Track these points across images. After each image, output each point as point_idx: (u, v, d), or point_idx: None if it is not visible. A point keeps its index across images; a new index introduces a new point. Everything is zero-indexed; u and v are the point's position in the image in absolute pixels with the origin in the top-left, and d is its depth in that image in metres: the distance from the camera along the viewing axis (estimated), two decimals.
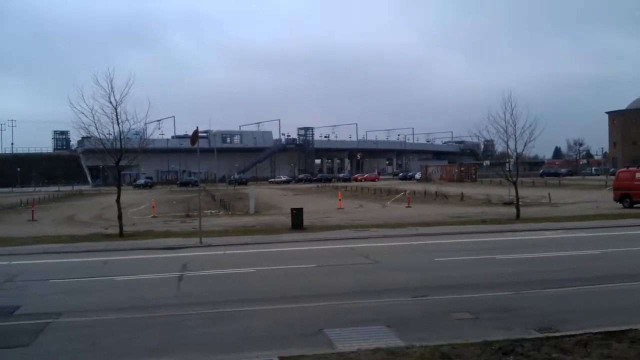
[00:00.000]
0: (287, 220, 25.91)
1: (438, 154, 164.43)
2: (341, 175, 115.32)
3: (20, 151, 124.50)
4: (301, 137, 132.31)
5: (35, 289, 12.79)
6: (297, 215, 24.42)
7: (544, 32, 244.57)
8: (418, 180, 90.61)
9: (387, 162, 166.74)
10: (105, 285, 13.13)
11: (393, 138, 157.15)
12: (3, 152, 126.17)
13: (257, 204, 38.25)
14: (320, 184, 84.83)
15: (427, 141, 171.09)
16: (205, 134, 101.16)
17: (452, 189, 52.96)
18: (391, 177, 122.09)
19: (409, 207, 36.27)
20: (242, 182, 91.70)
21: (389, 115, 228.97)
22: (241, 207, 38.25)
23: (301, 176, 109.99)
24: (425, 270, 14.05)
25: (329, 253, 17.34)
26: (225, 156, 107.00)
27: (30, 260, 17.21)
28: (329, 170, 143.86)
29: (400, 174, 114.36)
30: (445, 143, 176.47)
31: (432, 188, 53.55)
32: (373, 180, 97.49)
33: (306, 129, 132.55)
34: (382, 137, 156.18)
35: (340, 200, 39.37)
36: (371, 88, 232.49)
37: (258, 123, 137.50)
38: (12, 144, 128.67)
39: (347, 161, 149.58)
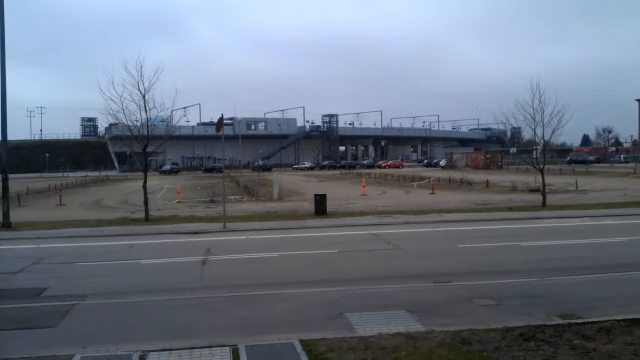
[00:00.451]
0: (311, 206, 25.98)
1: (464, 142, 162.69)
2: (365, 162, 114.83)
3: (48, 137, 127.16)
4: (325, 124, 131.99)
5: (62, 271, 13.08)
6: (320, 201, 24.46)
7: (575, 17, 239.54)
8: (443, 168, 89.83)
9: (412, 149, 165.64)
10: (131, 268, 13.36)
11: (418, 125, 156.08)
12: (32, 138, 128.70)
13: (281, 190, 38.38)
14: (344, 171, 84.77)
15: (453, 128, 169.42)
16: (230, 121, 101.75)
17: (478, 177, 52.41)
18: (415, 164, 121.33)
19: (432, 193, 36.05)
20: (266, 169, 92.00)
21: (415, 102, 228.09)
22: (265, 193, 38.44)
23: (325, 163, 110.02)
24: (449, 256, 13.98)
25: (352, 239, 17.36)
26: (249, 143, 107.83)
27: (57, 243, 17.57)
28: (353, 157, 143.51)
29: (425, 161, 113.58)
30: (471, 130, 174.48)
31: (457, 175, 53.01)
32: (397, 167, 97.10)
33: (330, 116, 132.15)
34: (407, 124, 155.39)
35: (363, 186, 39.30)
36: (397, 74, 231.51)
37: (282, 110, 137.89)
38: (41, 130, 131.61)
39: (371, 148, 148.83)
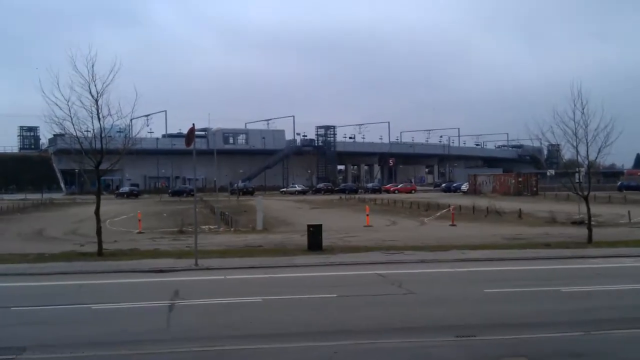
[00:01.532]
0: (303, 239, 25.92)
1: (490, 161, 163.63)
2: (370, 185, 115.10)
3: None
4: (320, 138, 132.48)
5: None
6: (314, 233, 24.43)
7: (623, 15, 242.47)
8: (465, 193, 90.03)
9: (427, 169, 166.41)
10: (80, 314, 13.28)
11: (434, 140, 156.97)
12: None
13: (266, 219, 38.32)
14: (343, 196, 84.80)
15: (477, 144, 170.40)
16: (203, 133, 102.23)
17: (508, 204, 52.51)
18: (431, 188, 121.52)
19: (453, 225, 36.08)
20: (248, 192, 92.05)
21: (429, 112, 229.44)
22: (246, 222, 38.34)
23: (320, 185, 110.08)
24: (473, 303, 13.97)
25: (353, 280, 17.33)
26: (227, 160, 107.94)
27: None
28: (354, 179, 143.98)
29: (443, 185, 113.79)
30: (498, 147, 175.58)
31: (482, 202, 53.12)
32: (409, 191, 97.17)
33: (327, 127, 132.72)
34: (420, 138, 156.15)
35: (368, 215, 39.28)
36: (406, 79, 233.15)
37: (267, 120, 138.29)
38: None
39: (376, 168, 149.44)
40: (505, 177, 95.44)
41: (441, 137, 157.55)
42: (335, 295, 15.02)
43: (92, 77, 22.10)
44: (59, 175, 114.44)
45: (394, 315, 12.81)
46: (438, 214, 45.02)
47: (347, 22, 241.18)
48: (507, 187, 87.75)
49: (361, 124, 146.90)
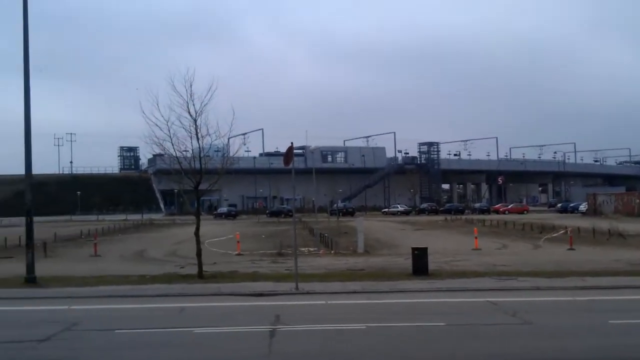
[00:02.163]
0: (407, 262, 25.74)
1: (611, 179, 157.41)
2: (477, 205, 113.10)
3: (80, 171, 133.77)
4: (423, 155, 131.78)
5: (98, 341, 13.55)
6: (419, 256, 24.19)
7: None
8: (583, 214, 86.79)
9: (540, 188, 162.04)
10: (182, 338, 13.67)
11: (547, 156, 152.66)
12: (61, 171, 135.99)
13: (368, 241, 38.30)
14: (449, 217, 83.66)
15: (595, 161, 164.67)
16: (301, 151, 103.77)
17: (633, 226, 50.18)
18: (545, 208, 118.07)
19: (571, 249, 34.86)
20: (348, 212, 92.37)
21: (541, 125, 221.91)
22: (347, 244, 38.46)
23: (424, 205, 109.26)
24: (598, 336, 13.39)
25: (462, 308, 17.02)
26: (325, 179, 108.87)
27: (92, 305, 18.33)
28: (460, 198, 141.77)
29: (559, 205, 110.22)
30: (620, 164, 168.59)
31: (603, 224, 50.94)
32: (520, 212, 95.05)
33: (429, 144, 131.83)
34: (531, 154, 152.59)
35: (476, 238, 38.56)
36: (515, 90, 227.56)
37: (367, 137, 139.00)
38: (71, 162, 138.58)
39: (484, 187, 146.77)
40: (629, 196, 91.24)
41: (555, 153, 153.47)
42: (443, 323, 14.75)
43: (191, 96, 22.94)
44: (158, 195, 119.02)
45: (509, 347, 12.45)
46: (554, 236, 43.60)
47: (448, 33, 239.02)
48: (631, 207, 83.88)
49: (466, 140, 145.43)
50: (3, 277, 24.19)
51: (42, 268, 25.18)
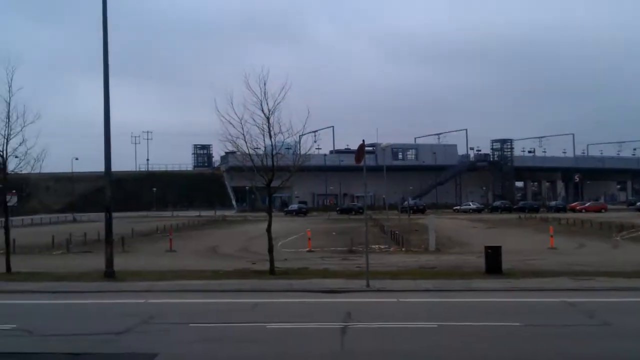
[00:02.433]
0: (479, 261, 25.42)
1: None
2: (553, 203, 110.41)
3: (156, 168, 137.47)
4: (496, 152, 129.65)
5: (174, 333, 13.89)
6: (493, 255, 23.84)
7: None
8: None
9: (618, 186, 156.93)
10: (255, 333, 13.85)
11: (627, 153, 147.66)
12: (137, 169, 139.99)
13: (439, 239, 38.02)
14: (523, 215, 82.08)
15: None
16: (371, 149, 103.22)
17: None
18: (624, 206, 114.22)
19: None
20: (419, 210, 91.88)
21: (621, 121, 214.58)
22: (418, 242, 38.30)
23: (497, 203, 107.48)
24: None
25: (538, 308, 16.68)
26: (396, 176, 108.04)
27: (168, 298, 18.80)
28: (534, 196, 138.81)
29: (638, 203, 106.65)
30: None
31: None
32: (598, 210, 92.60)
33: (503, 141, 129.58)
34: (610, 151, 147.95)
35: (552, 237, 37.73)
36: (593, 84, 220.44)
37: (438, 134, 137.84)
38: (148, 160, 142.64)
39: (560, 184, 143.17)
40: None
41: (634, 149, 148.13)
42: (518, 324, 14.47)
43: (264, 95, 23.28)
44: (230, 192, 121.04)
45: (587, 349, 12.13)
46: (634, 235, 42.25)
47: (522, 27, 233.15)
48: None
49: (541, 137, 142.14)
50: (83, 271, 25.17)
51: (120, 262, 25.96)
